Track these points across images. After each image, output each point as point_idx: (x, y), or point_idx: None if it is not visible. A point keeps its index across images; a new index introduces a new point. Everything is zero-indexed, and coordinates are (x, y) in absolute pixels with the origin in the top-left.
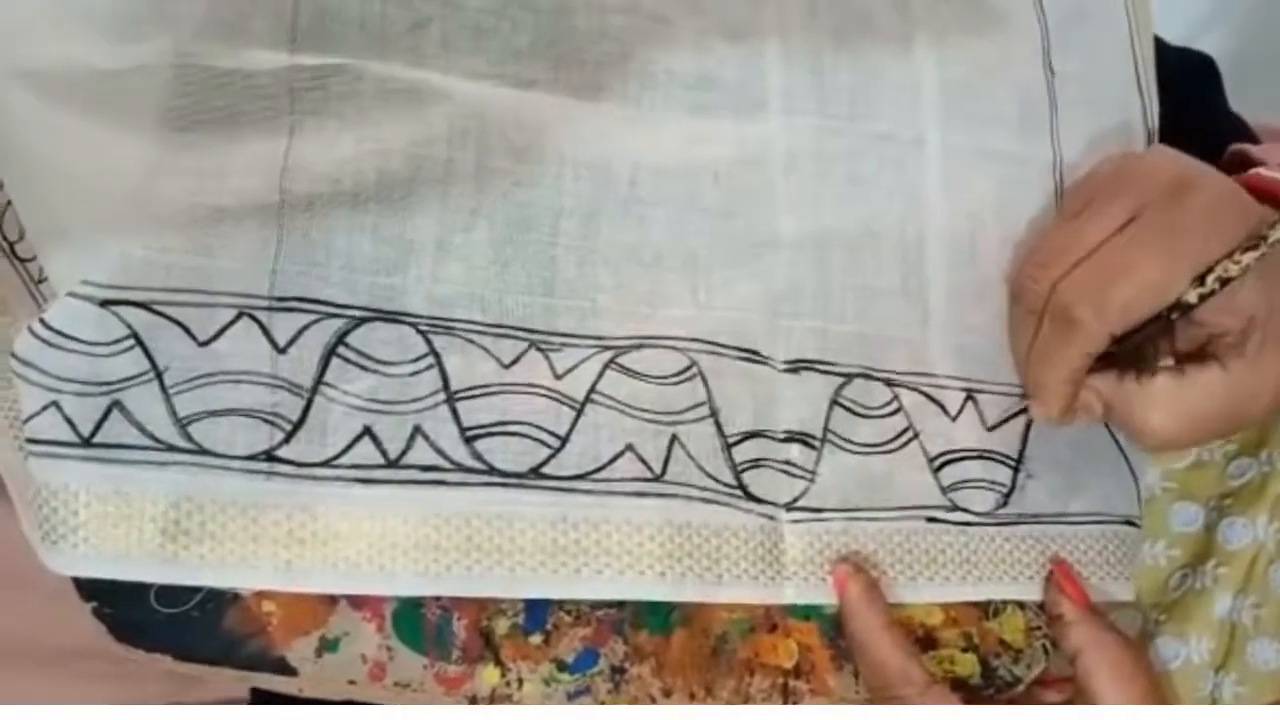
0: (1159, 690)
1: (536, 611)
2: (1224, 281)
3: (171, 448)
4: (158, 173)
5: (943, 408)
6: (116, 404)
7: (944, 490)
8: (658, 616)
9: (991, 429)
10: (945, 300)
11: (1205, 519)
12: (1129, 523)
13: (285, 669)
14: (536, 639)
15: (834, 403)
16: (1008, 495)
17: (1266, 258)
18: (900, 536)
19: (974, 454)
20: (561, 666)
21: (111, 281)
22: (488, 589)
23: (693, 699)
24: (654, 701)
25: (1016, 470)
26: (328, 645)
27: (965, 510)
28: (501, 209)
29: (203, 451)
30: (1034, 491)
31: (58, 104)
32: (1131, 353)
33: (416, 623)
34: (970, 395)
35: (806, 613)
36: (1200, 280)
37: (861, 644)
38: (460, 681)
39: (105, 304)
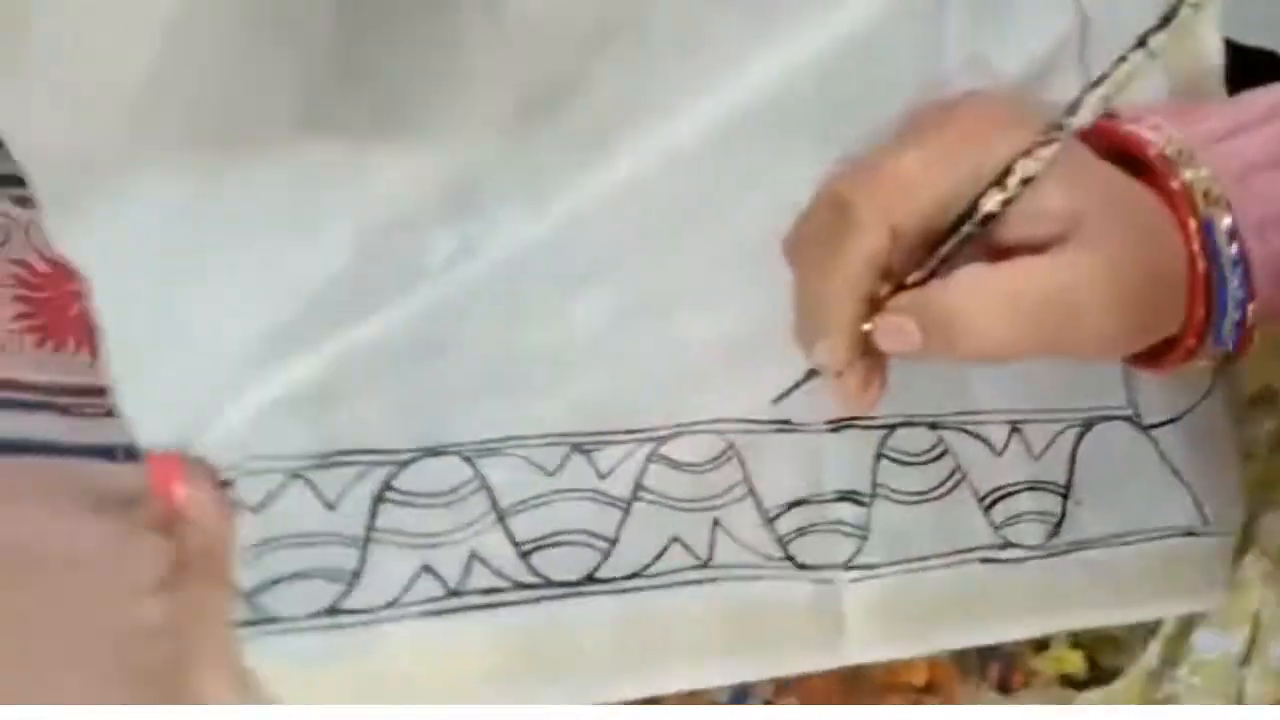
0: None
1: None
2: (1026, 181)
3: (244, 622)
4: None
5: (988, 444)
6: None
7: (995, 528)
8: None
9: (1038, 458)
10: None
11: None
12: (1190, 534)
13: None
14: None
15: (879, 455)
16: (1058, 524)
17: (1069, 166)
18: (958, 581)
19: (1023, 486)
20: None
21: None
22: (561, 698)
23: None
24: None
25: (1065, 498)
26: None
27: (1018, 546)
28: (542, 323)
29: (270, 620)
30: (1084, 517)
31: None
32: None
33: None
34: (1015, 427)
35: None
36: (1001, 184)
37: None
38: None
39: None
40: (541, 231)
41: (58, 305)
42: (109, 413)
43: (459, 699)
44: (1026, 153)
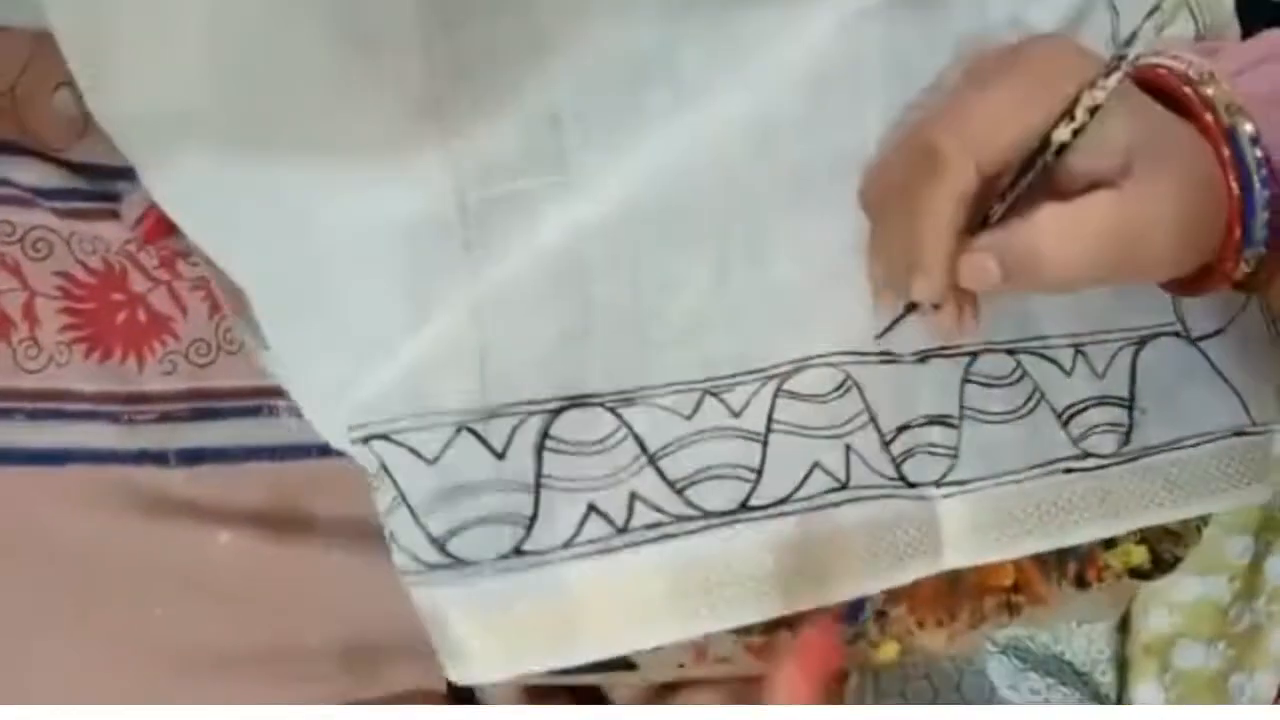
0: None
1: None
2: (1093, 111)
3: (437, 566)
4: None
5: (1058, 365)
6: (391, 534)
7: (1074, 441)
8: None
9: (1102, 375)
10: None
11: (1256, 549)
12: (1239, 434)
13: (628, 665)
14: None
15: (965, 380)
16: (1128, 433)
17: (1126, 101)
18: (1044, 490)
19: (1092, 402)
20: (837, 619)
21: (359, 419)
22: (729, 621)
23: (939, 626)
24: (911, 634)
25: (1131, 409)
26: None
27: (1095, 455)
28: (660, 282)
29: (463, 562)
30: (1149, 425)
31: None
32: (1011, 213)
33: None
34: (1078, 349)
35: None
36: (1070, 115)
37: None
38: (764, 648)
39: (365, 440)
40: (640, 190)
41: (104, 315)
42: (159, 418)
43: (639, 627)
44: (1091, 84)
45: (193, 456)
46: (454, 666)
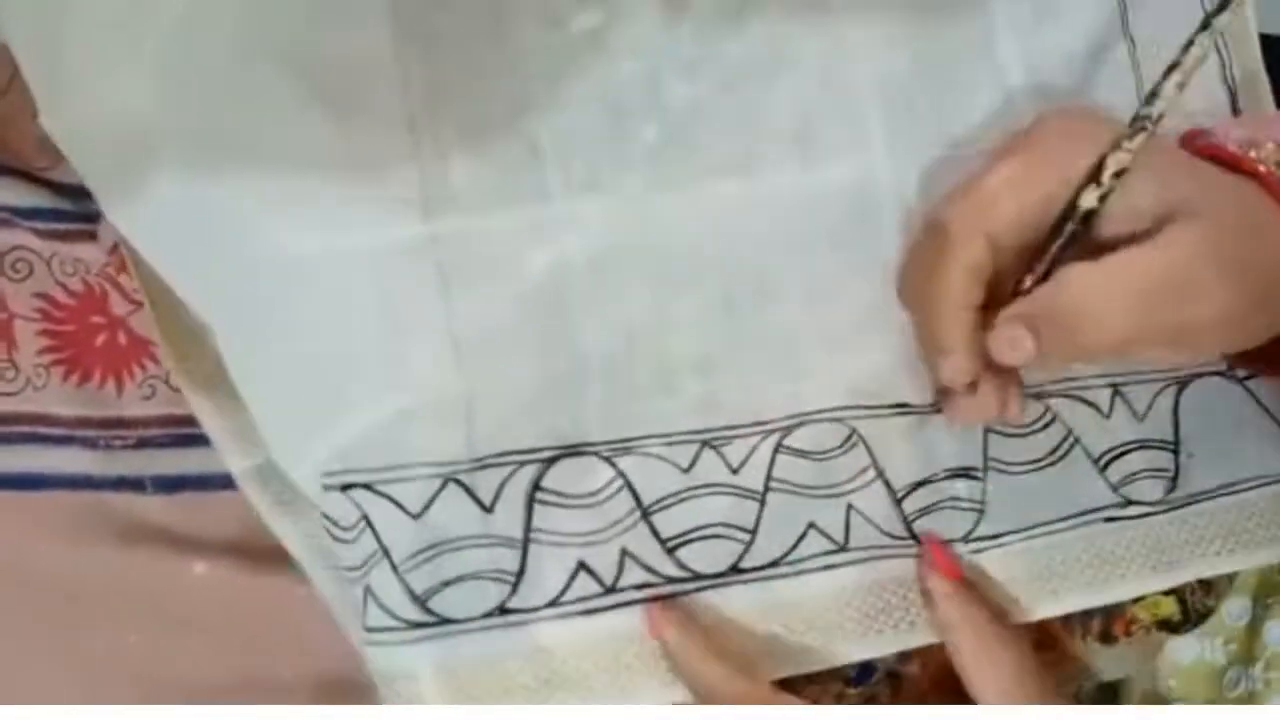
0: (1022, 663)
1: None
2: (1119, 174)
3: (417, 624)
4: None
5: (1095, 407)
6: (366, 589)
7: (1114, 488)
8: None
9: (1142, 418)
10: None
11: (1254, 612)
12: None
13: None
14: None
15: (987, 430)
16: (1175, 479)
17: (1157, 159)
18: (1083, 542)
19: (1134, 445)
20: (848, 682)
21: (336, 467)
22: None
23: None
24: (925, 698)
25: (1176, 453)
26: None
27: (1139, 503)
28: (653, 325)
29: (446, 621)
30: (1197, 470)
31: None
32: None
33: None
34: (1116, 390)
35: None
36: (1095, 180)
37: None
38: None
39: (344, 488)
40: (628, 227)
41: (83, 337)
42: (137, 444)
43: (619, 691)
44: (1115, 146)
45: (170, 484)
46: None
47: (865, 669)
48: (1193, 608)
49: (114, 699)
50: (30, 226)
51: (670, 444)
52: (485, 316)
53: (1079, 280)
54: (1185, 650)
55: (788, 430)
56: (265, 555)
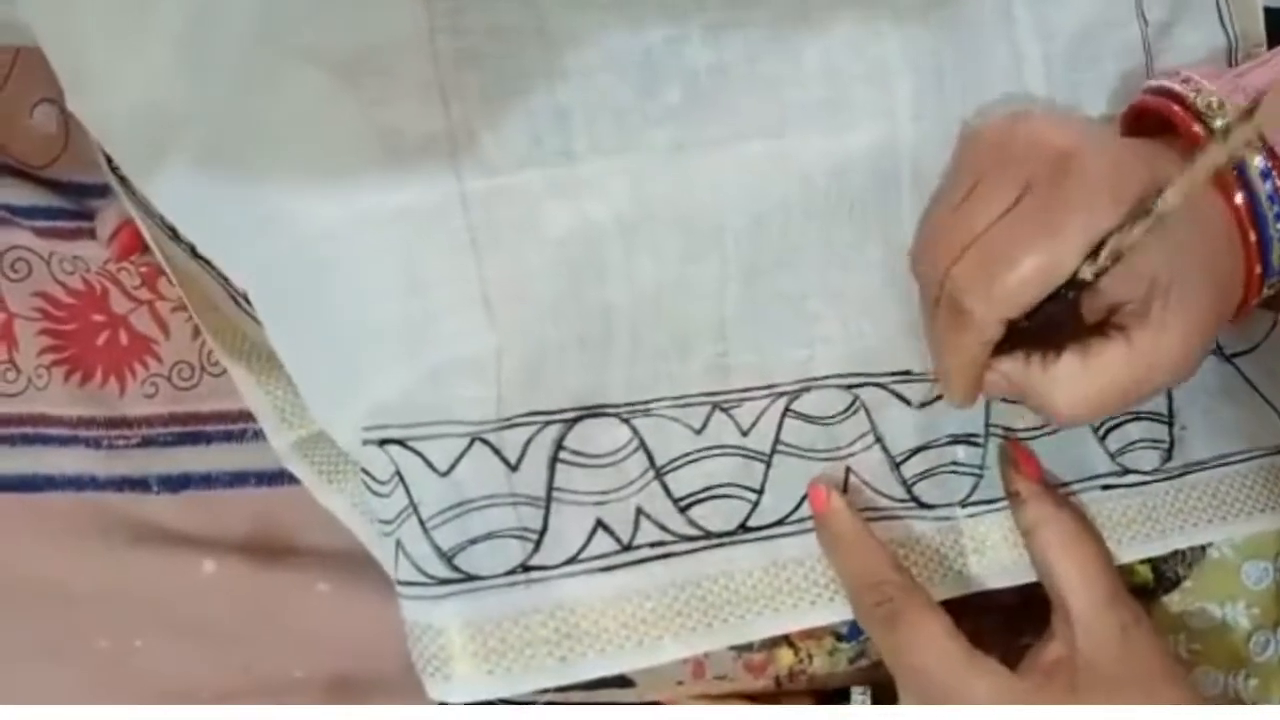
0: (1105, 556)
1: None
2: (1117, 257)
3: (444, 580)
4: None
5: None
6: (398, 543)
7: (1112, 456)
8: None
9: None
10: None
11: (1275, 576)
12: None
13: (625, 683)
14: None
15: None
16: (1170, 449)
17: (1163, 220)
18: (1080, 508)
19: (1130, 416)
20: (839, 637)
21: (375, 421)
22: (728, 639)
23: None
24: None
25: (1171, 425)
26: None
27: (1136, 471)
28: (677, 287)
29: (471, 578)
30: (1191, 442)
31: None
32: (1037, 331)
33: None
34: None
35: None
36: (1094, 256)
37: (846, 540)
38: (764, 665)
39: (381, 443)
40: (654, 190)
41: (84, 336)
42: (141, 443)
43: (639, 645)
44: (1119, 228)
45: (176, 483)
46: (438, 684)
47: (855, 625)
48: (1165, 574)
49: (122, 704)
50: (29, 225)
51: (684, 405)
52: (514, 275)
53: (1064, 377)
54: (1204, 617)
55: (796, 395)
56: (275, 553)
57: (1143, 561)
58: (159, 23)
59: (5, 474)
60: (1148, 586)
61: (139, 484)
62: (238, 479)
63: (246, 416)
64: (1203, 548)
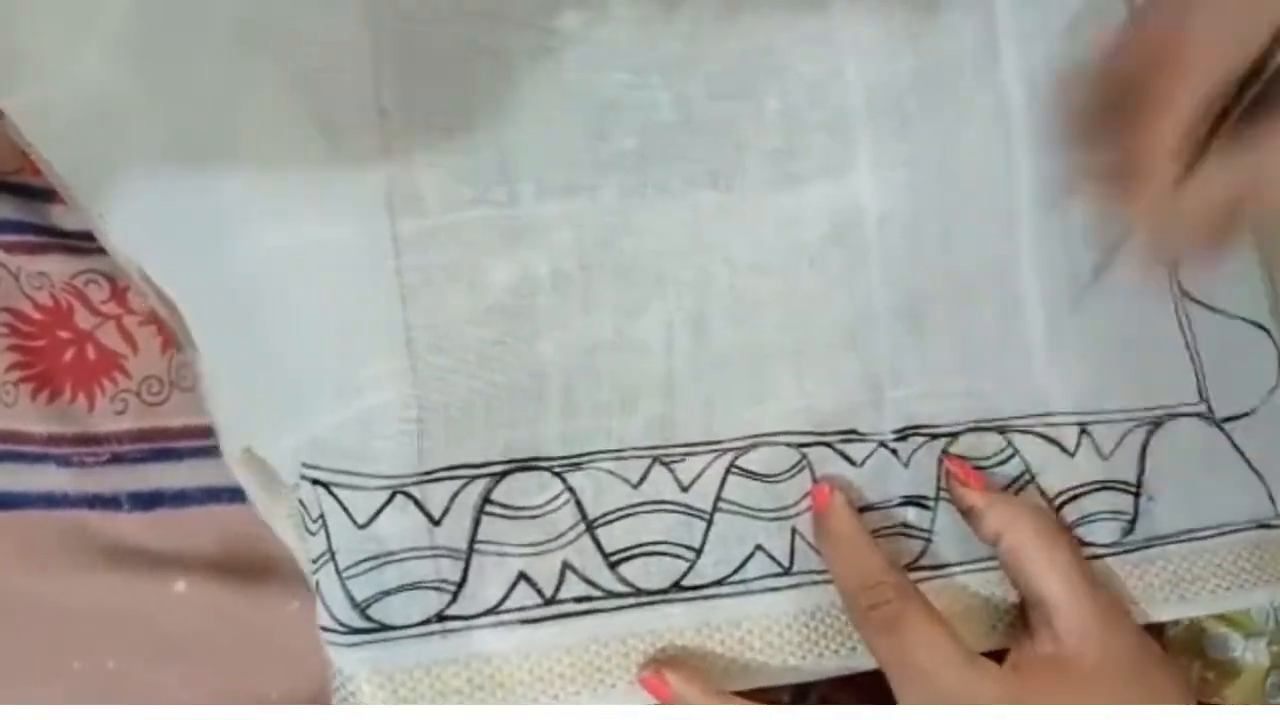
0: (1074, 546)
1: None
2: None
3: (356, 630)
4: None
5: (1061, 446)
6: (317, 584)
7: (1067, 529)
8: None
9: (1108, 458)
10: (1046, 340)
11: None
12: (1262, 525)
13: None
14: None
15: (941, 458)
16: (1133, 522)
17: None
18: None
19: (1095, 486)
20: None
21: (309, 459)
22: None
23: None
24: None
25: (1137, 496)
26: None
27: (1091, 545)
28: (616, 342)
29: (384, 627)
30: (1158, 514)
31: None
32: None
33: None
34: (1084, 428)
35: None
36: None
37: (845, 539)
38: None
39: (313, 482)
40: (597, 243)
41: (52, 352)
42: (110, 460)
43: (556, 697)
44: None
45: (147, 500)
46: None
47: (800, 692)
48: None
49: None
50: None
51: (621, 459)
52: (441, 323)
53: None
54: (1230, 648)
55: (742, 451)
56: (249, 571)
57: None
58: (95, 20)
59: None
60: None
61: (110, 502)
62: (210, 495)
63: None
64: (1176, 623)
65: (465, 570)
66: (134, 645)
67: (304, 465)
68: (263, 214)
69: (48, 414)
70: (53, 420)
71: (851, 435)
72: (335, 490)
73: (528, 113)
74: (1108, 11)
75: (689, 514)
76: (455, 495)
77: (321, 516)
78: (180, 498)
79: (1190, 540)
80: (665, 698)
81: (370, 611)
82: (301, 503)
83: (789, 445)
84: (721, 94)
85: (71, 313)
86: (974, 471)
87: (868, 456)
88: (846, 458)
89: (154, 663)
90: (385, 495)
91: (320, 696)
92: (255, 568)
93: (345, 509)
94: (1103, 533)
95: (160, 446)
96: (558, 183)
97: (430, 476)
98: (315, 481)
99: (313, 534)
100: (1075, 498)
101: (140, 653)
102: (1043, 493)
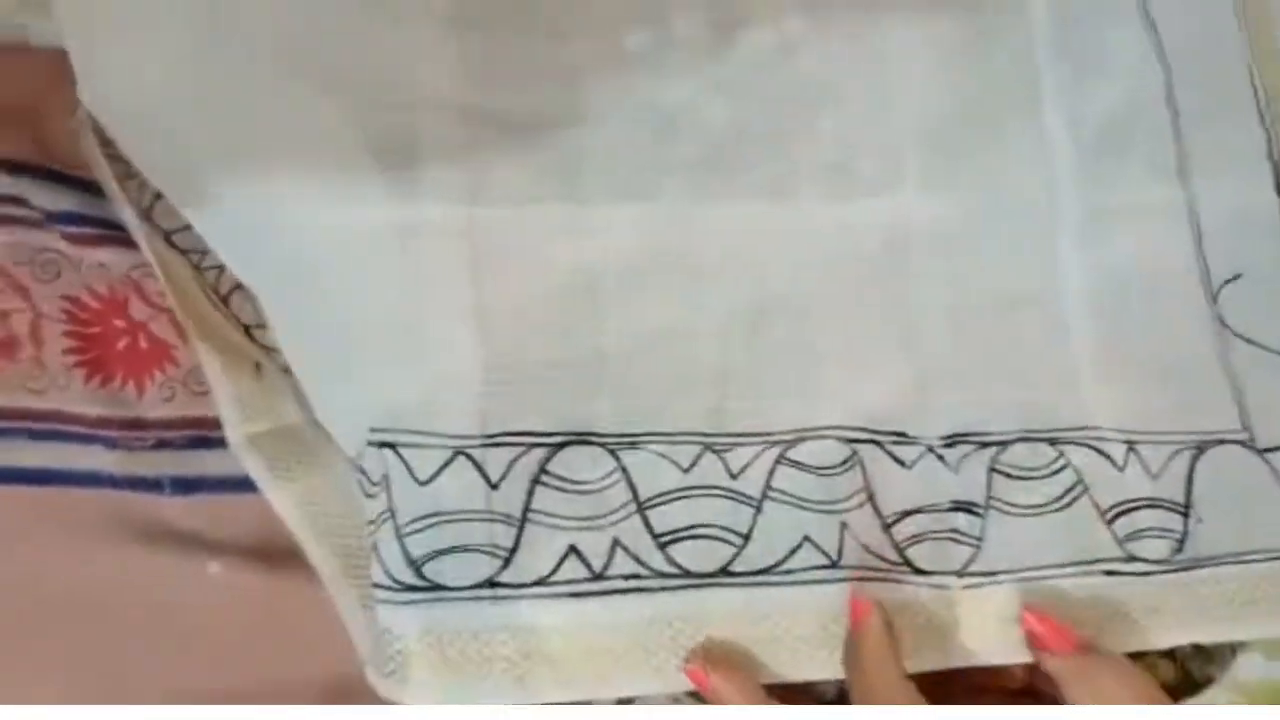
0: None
1: None
2: None
3: (410, 587)
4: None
5: (1111, 460)
6: (375, 545)
7: (1119, 542)
8: None
9: (1156, 477)
10: (1092, 363)
11: None
12: None
13: None
14: None
15: (992, 470)
16: (1182, 541)
17: None
18: (1080, 591)
19: (1144, 503)
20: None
21: (380, 424)
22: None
23: None
24: None
25: (1186, 516)
26: None
27: (1143, 560)
28: (674, 331)
29: (436, 587)
30: (1206, 535)
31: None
32: None
33: None
34: (1131, 446)
35: None
36: None
37: (872, 670)
38: None
39: (380, 445)
40: (658, 239)
41: (107, 340)
42: (156, 445)
43: (597, 677)
44: None
45: (188, 485)
46: (394, 685)
47: (845, 689)
48: (1191, 674)
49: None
50: (61, 230)
51: (673, 443)
52: (511, 300)
53: None
54: (1252, 668)
55: (791, 444)
56: (280, 556)
57: (1164, 655)
58: (179, 9)
59: (26, 467)
60: (1168, 686)
61: (153, 484)
62: (249, 483)
63: None
64: (1233, 648)
65: (518, 538)
66: (164, 626)
67: (372, 430)
68: (335, 198)
69: (99, 397)
70: (103, 404)
71: (902, 438)
72: (401, 450)
73: (596, 121)
74: (1141, 72)
75: (738, 500)
76: (514, 461)
77: (385, 478)
78: (220, 484)
79: (1238, 563)
80: (705, 690)
81: (425, 570)
82: (362, 472)
83: (839, 440)
84: (776, 114)
85: (127, 303)
86: (1059, 630)
87: (917, 459)
88: (896, 459)
89: (183, 642)
90: (448, 454)
91: (340, 684)
92: (290, 555)
93: (408, 467)
94: (1154, 549)
95: (203, 434)
96: (622, 186)
97: (492, 440)
98: (383, 445)
99: (373, 497)
100: (1126, 512)
101: (169, 633)
102: (1095, 505)
